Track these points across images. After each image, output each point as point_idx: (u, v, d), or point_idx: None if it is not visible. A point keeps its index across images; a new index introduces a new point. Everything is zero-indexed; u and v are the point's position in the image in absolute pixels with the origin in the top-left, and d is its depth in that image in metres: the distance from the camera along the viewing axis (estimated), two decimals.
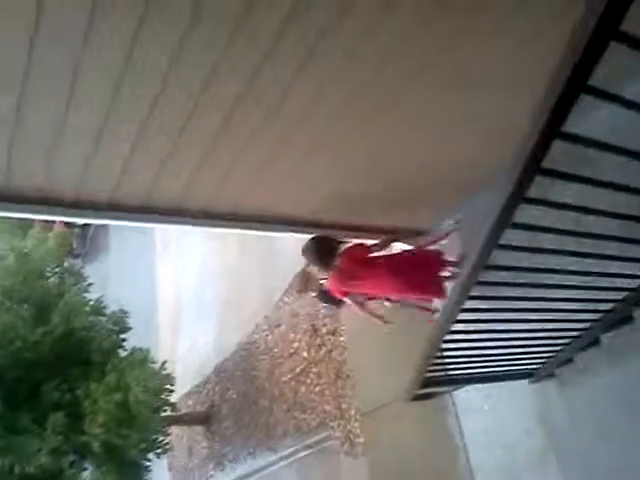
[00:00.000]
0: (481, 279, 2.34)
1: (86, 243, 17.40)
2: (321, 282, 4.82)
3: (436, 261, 4.71)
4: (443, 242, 4.88)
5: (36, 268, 9.24)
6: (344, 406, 6.71)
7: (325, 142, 3.69)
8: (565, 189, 2.02)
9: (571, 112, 1.51)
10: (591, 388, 3.51)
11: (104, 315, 9.37)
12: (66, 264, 10.10)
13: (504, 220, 1.98)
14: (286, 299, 8.18)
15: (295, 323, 7.88)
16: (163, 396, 8.52)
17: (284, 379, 8.04)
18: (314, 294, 4.92)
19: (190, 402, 11.06)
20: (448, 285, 4.67)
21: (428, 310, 4.73)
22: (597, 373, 3.41)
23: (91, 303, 9.38)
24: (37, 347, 8.15)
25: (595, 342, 3.22)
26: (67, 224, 14.38)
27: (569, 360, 3.51)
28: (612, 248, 2.27)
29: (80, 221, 4.36)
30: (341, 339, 6.84)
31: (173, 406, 9.41)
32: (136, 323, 10.09)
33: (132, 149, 3.30)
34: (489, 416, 4.42)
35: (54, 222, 13.24)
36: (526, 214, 2.02)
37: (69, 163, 3.35)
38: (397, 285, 4.57)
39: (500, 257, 2.28)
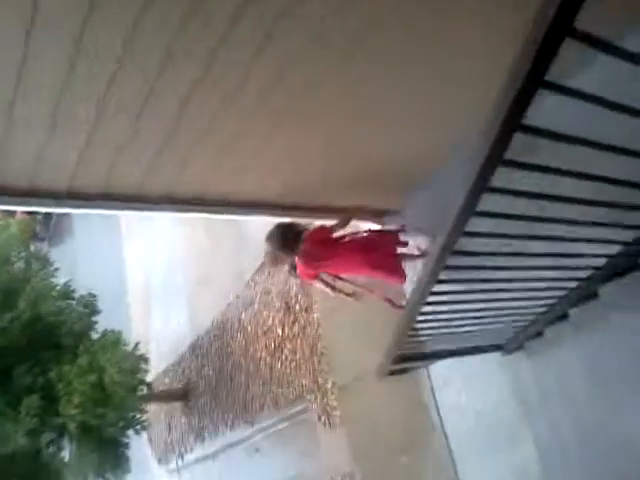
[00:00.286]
0: (449, 264, 2.33)
1: (49, 228, 17.25)
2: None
3: (395, 241, 4.78)
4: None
5: (0, 254, 9.04)
6: (320, 380, 6.77)
7: (285, 125, 3.60)
8: (525, 177, 2.00)
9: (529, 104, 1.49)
10: (559, 360, 3.57)
11: (73, 299, 9.29)
12: (32, 249, 9.90)
13: (469, 207, 1.96)
14: (257, 278, 8.16)
15: (268, 301, 7.87)
16: (138, 375, 8.49)
17: (259, 355, 8.07)
18: (287, 268, 4.88)
19: (167, 380, 11.10)
20: (407, 266, 4.76)
21: (394, 305, 4.75)
22: (565, 345, 3.46)
23: (58, 287, 9.28)
24: (6, 333, 8.05)
25: (563, 316, 3.26)
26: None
27: (539, 333, 3.55)
28: (579, 230, 2.27)
29: (40, 210, 4.22)
30: (314, 315, 6.85)
31: (149, 385, 9.40)
32: (106, 305, 10.03)
33: (87, 138, 3.19)
34: (463, 388, 4.49)
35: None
36: (490, 202, 2.00)
37: (22, 154, 3.24)
38: (361, 264, 4.59)
39: (465, 242, 2.28)
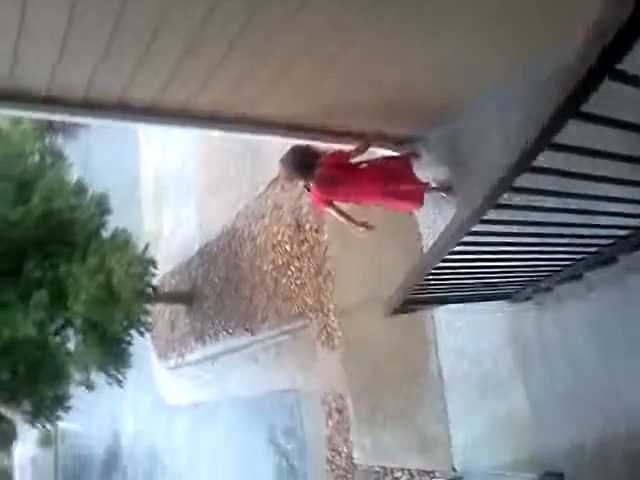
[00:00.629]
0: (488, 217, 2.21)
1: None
2: None
3: (411, 169, 4.75)
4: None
5: (14, 147, 8.97)
6: (323, 300, 6.85)
7: (314, 45, 3.46)
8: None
9: None
10: (566, 316, 3.57)
11: (86, 196, 9.27)
12: (46, 141, 9.79)
13: (523, 163, 1.83)
14: (270, 191, 8.08)
15: (279, 216, 7.83)
16: (146, 279, 8.62)
17: (266, 268, 8.13)
18: (302, 184, 4.85)
19: (173, 281, 11.29)
20: (427, 194, 4.75)
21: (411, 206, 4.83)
22: (574, 303, 3.45)
23: (72, 183, 9.25)
24: (18, 226, 8.12)
25: (577, 276, 3.21)
26: None
27: (549, 289, 3.52)
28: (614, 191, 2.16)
29: (55, 118, 4.12)
30: (325, 237, 6.82)
31: (155, 289, 9.58)
32: (118, 203, 10.07)
33: (105, 49, 3.07)
34: (465, 330, 4.53)
35: None
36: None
37: (39, 62, 3.17)
38: (376, 191, 4.60)
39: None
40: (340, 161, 4.42)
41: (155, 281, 9.59)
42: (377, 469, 5.77)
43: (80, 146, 15.39)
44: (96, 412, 14.04)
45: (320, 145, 4.65)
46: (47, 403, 9.31)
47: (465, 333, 4.51)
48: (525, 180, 1.93)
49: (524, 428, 3.98)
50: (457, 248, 2.47)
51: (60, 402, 9.59)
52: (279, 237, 7.85)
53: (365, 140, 4.57)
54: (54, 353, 8.74)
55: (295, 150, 4.39)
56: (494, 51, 3.73)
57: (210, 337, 9.75)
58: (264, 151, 7.73)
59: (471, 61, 3.80)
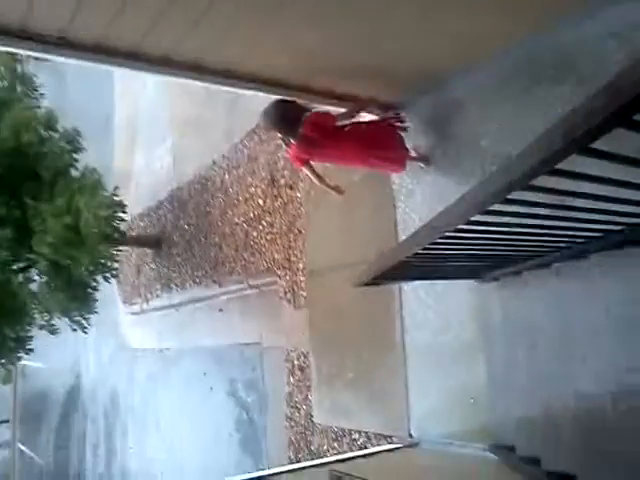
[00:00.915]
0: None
1: None
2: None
3: (395, 133, 4.68)
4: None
5: None
6: (293, 258, 6.86)
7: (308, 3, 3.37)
8: None
9: None
10: (531, 299, 3.62)
11: (56, 130, 8.96)
12: (18, 68, 9.32)
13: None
14: (246, 142, 7.94)
15: (254, 168, 7.73)
16: (114, 223, 8.47)
17: (237, 221, 8.08)
18: (279, 135, 4.77)
19: (142, 224, 11.15)
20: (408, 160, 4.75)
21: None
22: (540, 288, 3.50)
23: (43, 113, 8.91)
24: None
25: (546, 265, 3.25)
26: None
27: (517, 272, 3.56)
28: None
29: (27, 53, 3.94)
30: (298, 194, 6.78)
31: (123, 234, 9.43)
32: (90, 135, 9.76)
33: None
34: (431, 303, 4.59)
35: None
36: None
37: None
38: (358, 157, 4.58)
39: None
40: (324, 123, 4.31)
41: (123, 225, 9.43)
42: (335, 429, 5.91)
43: (53, 71, 14.76)
44: (59, 352, 14.01)
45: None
46: (8, 344, 9.18)
47: (431, 306, 4.58)
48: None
49: (478, 400, 4.10)
50: (451, 233, 2.44)
51: (22, 343, 9.47)
52: (252, 190, 7.77)
53: (355, 105, 4.51)
54: (16, 292, 8.58)
55: (279, 103, 4.26)
56: (489, 22, 3.65)
57: (177, 285, 9.73)
58: (245, 101, 7.54)
59: (465, 29, 3.72)
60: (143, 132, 11.59)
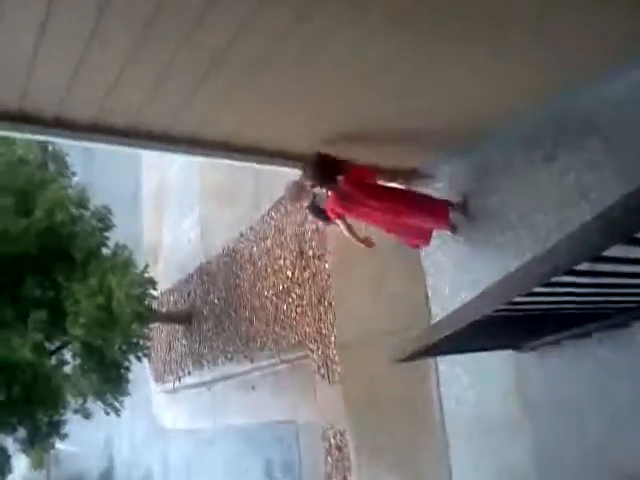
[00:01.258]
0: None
1: None
2: (314, 195, 4.66)
3: (437, 213, 4.66)
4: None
5: (17, 154, 8.86)
6: (324, 331, 6.73)
7: (336, 78, 3.44)
8: None
9: None
10: (573, 369, 3.45)
11: (87, 209, 9.14)
12: (50, 147, 9.62)
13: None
14: (273, 214, 7.99)
15: (281, 240, 7.73)
16: (146, 302, 8.49)
17: (266, 293, 8.02)
18: (306, 205, 4.77)
19: (172, 298, 11.15)
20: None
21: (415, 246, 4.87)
22: (582, 359, 3.34)
23: (75, 194, 9.12)
24: (19, 240, 7.98)
25: (587, 334, 3.11)
26: None
27: (557, 342, 3.41)
28: None
29: (26, 137, 4.07)
30: (326, 265, 6.72)
31: (154, 311, 9.43)
32: (119, 210, 9.90)
33: (77, 64, 3.01)
34: (468, 375, 4.40)
35: None
36: None
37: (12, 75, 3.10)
38: (391, 224, 4.62)
39: None
40: (365, 180, 4.33)
41: (154, 301, 9.44)
42: None
43: (82, 148, 15.14)
44: (91, 433, 13.82)
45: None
46: (42, 430, 9.08)
47: (469, 380, 4.39)
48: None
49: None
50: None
51: (56, 429, 9.36)
52: (281, 262, 7.74)
53: (399, 172, 4.60)
54: (50, 375, 8.55)
55: (322, 154, 4.24)
56: (508, 84, 3.66)
57: (208, 361, 9.60)
58: (269, 174, 7.62)
59: (486, 93, 3.75)
60: (171, 204, 11.74)
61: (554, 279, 1.71)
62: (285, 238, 7.70)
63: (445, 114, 4.02)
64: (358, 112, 3.95)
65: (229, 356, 8.93)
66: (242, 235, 8.80)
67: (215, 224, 9.92)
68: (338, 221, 4.51)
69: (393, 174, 4.78)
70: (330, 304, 6.62)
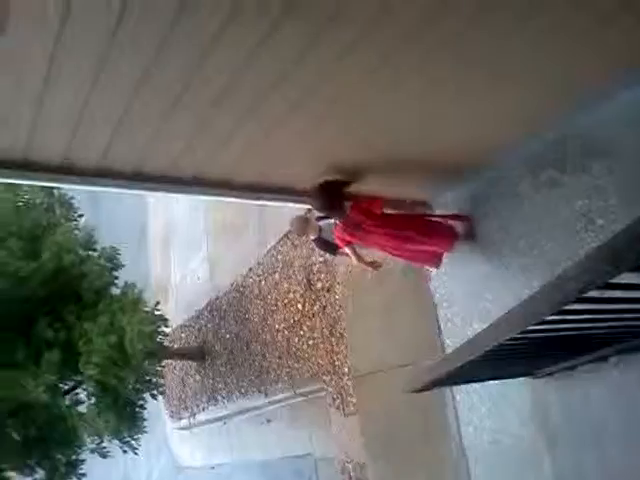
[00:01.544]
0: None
1: None
2: (320, 227, 4.68)
3: (445, 237, 4.68)
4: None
5: (24, 199, 8.99)
6: (337, 363, 6.69)
7: (336, 112, 3.48)
8: None
9: None
10: (591, 395, 3.41)
11: (95, 250, 9.22)
12: (55, 192, 9.76)
13: None
14: (280, 247, 8.01)
15: (289, 273, 7.74)
16: (158, 339, 8.49)
17: (277, 327, 8.01)
18: (312, 238, 4.78)
19: (183, 335, 11.15)
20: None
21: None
22: (600, 384, 3.30)
23: (82, 235, 9.22)
24: (28, 283, 8.04)
25: (603, 358, 3.07)
26: None
27: (573, 367, 3.37)
28: None
29: (36, 184, 4.15)
30: (336, 297, 6.71)
31: (166, 348, 9.42)
32: (126, 245, 9.97)
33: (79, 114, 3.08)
34: (485, 404, 4.36)
35: None
36: None
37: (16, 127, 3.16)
38: (399, 250, 4.62)
39: None
40: (372, 209, 4.34)
41: (166, 338, 9.44)
42: None
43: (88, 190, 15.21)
44: (109, 471, 13.69)
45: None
46: (61, 470, 9.04)
47: (486, 408, 4.35)
48: None
49: None
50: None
51: (74, 468, 9.31)
52: (290, 295, 7.74)
53: (407, 201, 4.62)
54: (65, 415, 8.54)
55: (328, 182, 4.22)
56: (509, 110, 3.69)
57: (222, 397, 9.56)
58: (273, 208, 7.67)
59: (494, 118, 3.76)
60: (178, 242, 11.83)
61: (565, 307, 1.71)
62: (293, 271, 7.71)
63: (449, 142, 4.03)
64: (360, 145, 3.96)
65: (243, 390, 8.90)
66: (251, 270, 8.82)
67: (223, 261, 9.97)
68: (346, 249, 4.53)
69: (398, 203, 4.78)
70: (342, 335, 6.60)
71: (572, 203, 3.78)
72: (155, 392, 9.07)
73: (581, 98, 3.58)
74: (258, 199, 4.52)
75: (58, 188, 9.85)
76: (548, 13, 2.77)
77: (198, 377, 10.51)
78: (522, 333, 2.15)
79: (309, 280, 7.29)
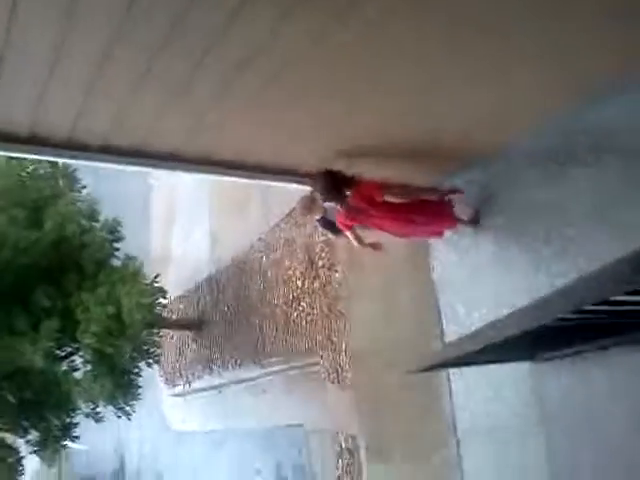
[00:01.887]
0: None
1: None
2: (325, 208, 4.74)
3: (447, 216, 4.76)
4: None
5: (28, 169, 9.00)
6: (334, 339, 6.82)
7: (342, 90, 3.51)
8: None
9: None
10: (591, 382, 3.52)
11: (97, 221, 9.26)
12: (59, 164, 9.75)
13: None
14: (283, 225, 8.08)
15: (291, 251, 7.83)
16: (156, 310, 8.60)
17: (276, 302, 8.13)
18: (317, 218, 4.86)
19: (181, 306, 11.24)
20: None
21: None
22: (599, 373, 3.40)
23: (85, 205, 9.26)
24: (29, 252, 8.10)
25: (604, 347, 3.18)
26: None
27: (577, 352, 3.47)
28: None
29: (39, 157, 4.24)
30: (336, 275, 6.81)
31: (164, 319, 9.54)
32: (128, 219, 9.99)
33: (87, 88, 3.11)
34: (482, 387, 4.48)
35: None
36: None
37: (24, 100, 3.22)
38: (402, 229, 4.73)
39: None
40: (373, 194, 4.38)
41: (164, 309, 9.55)
42: None
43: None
44: (102, 433, 13.92)
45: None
46: (54, 432, 9.25)
47: (482, 391, 4.47)
48: None
49: None
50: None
51: (67, 431, 9.54)
52: (290, 272, 7.84)
53: (408, 186, 4.64)
54: (61, 381, 8.71)
55: (328, 170, 4.31)
56: (519, 100, 3.75)
57: (218, 366, 9.70)
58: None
59: (504, 105, 3.81)
60: (181, 215, 11.85)
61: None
62: (295, 249, 7.79)
63: (458, 127, 4.10)
64: (367, 129, 4.03)
65: (239, 362, 9.04)
66: (252, 247, 8.90)
67: (225, 236, 10.03)
68: (347, 232, 4.60)
69: (402, 188, 4.83)
70: (341, 313, 6.72)
71: (579, 196, 3.85)
72: (151, 361, 9.22)
73: (593, 91, 3.61)
74: (264, 180, 4.62)
75: None
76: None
77: (195, 346, 10.64)
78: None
79: (310, 258, 7.38)
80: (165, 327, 10.41)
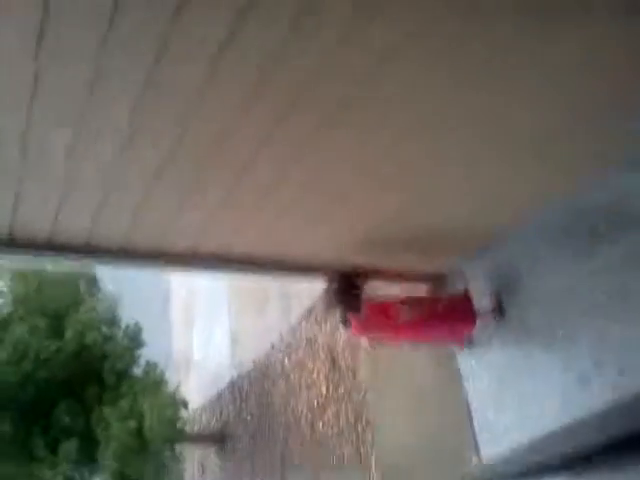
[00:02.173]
0: None
1: None
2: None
3: (467, 316, 4.51)
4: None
5: (50, 275, 9.01)
6: (363, 451, 6.33)
7: (351, 190, 3.49)
8: None
9: None
10: None
11: (119, 327, 9.13)
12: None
13: None
14: (304, 323, 7.81)
15: (313, 351, 7.53)
16: (178, 425, 8.22)
17: (300, 410, 7.74)
18: (338, 314, 4.62)
19: (204, 417, 10.78)
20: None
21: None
22: None
23: (104, 310, 9.16)
24: (50, 363, 7.94)
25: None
26: None
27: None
28: None
29: (57, 263, 4.15)
30: (361, 380, 6.42)
31: (186, 434, 9.14)
32: (149, 322, 9.81)
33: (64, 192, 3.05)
34: None
35: None
36: None
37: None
38: (421, 337, 4.61)
39: None
40: (386, 315, 4.23)
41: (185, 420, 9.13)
42: None
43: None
44: None
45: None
46: None
47: None
48: None
49: None
50: None
51: None
52: (314, 375, 7.47)
53: (417, 298, 4.53)
54: None
55: (340, 278, 4.22)
56: (530, 180, 3.64)
57: None
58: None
59: (509, 189, 3.72)
60: (200, 315, 11.65)
61: None
62: (317, 349, 7.47)
63: (466, 214, 3.99)
64: (378, 221, 3.93)
65: (265, 478, 8.43)
66: (273, 347, 8.59)
67: (245, 335, 9.77)
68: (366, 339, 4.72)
69: (416, 278, 4.63)
70: (368, 423, 6.26)
71: (602, 277, 3.53)
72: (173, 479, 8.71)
73: (609, 167, 3.49)
74: (279, 276, 4.53)
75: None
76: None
77: (218, 461, 10.07)
78: None
79: (333, 359, 7.06)
80: (187, 441, 9.90)
